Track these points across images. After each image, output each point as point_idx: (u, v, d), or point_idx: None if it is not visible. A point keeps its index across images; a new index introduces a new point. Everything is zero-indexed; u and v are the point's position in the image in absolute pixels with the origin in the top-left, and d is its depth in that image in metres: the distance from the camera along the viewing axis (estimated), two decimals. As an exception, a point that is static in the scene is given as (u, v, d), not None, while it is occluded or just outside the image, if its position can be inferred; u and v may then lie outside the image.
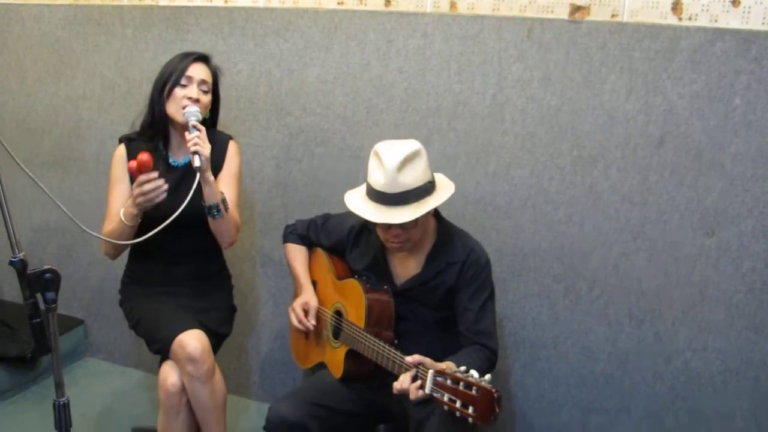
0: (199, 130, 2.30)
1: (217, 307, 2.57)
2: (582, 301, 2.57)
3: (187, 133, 2.30)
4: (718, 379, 2.43)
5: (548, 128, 2.50)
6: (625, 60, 2.36)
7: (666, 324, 2.47)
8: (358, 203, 2.11)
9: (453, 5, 2.55)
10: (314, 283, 2.49)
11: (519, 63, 2.49)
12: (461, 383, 1.75)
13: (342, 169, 2.83)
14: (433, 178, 2.10)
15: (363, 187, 2.14)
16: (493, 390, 1.69)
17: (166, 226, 2.31)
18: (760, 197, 2.28)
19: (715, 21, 2.24)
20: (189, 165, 2.45)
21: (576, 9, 2.40)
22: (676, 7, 2.28)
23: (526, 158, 2.55)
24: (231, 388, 2.56)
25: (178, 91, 2.38)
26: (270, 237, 3.03)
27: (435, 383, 1.82)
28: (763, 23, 2.19)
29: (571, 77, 2.43)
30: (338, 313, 2.35)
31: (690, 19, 2.28)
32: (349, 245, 2.39)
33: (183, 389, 2.35)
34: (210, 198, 2.35)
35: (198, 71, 2.41)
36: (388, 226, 2.07)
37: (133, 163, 2.23)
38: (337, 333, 2.33)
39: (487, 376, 1.75)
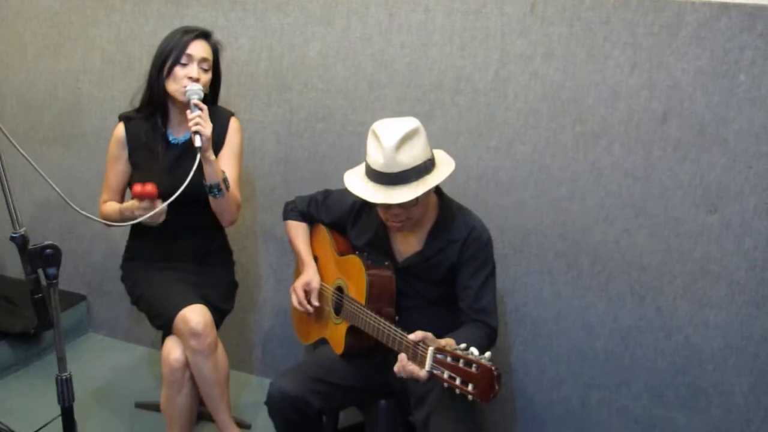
0: (200, 109, 2.29)
1: (218, 283, 2.58)
2: (583, 277, 2.57)
3: (188, 112, 2.29)
4: (719, 355, 2.44)
5: (551, 104, 2.48)
6: (629, 35, 2.34)
7: (667, 300, 2.47)
8: (357, 184, 2.10)
9: (455, -21, 2.53)
10: (315, 260, 2.49)
11: (522, 38, 2.47)
12: (461, 360, 1.75)
13: (343, 145, 2.82)
14: (432, 155, 2.08)
15: (362, 167, 2.13)
16: (493, 368, 1.69)
17: (171, 202, 2.32)
18: (763, 174, 2.27)
19: (721, -5, 2.22)
20: (189, 142, 2.45)
21: (580, -17, 2.38)
22: (681, -19, 2.26)
23: (528, 134, 2.53)
24: (233, 363, 2.57)
25: (179, 70, 2.36)
26: (271, 213, 3.02)
27: (435, 360, 1.82)
28: (769, -3, 2.17)
29: (574, 52, 2.42)
30: (339, 290, 2.35)
31: (695, -7, 2.26)
32: (350, 222, 2.39)
33: (186, 364, 2.36)
34: (211, 177, 2.35)
35: (198, 49, 2.38)
36: (389, 206, 2.06)
37: (138, 189, 2.26)
38: (338, 309, 2.34)
39: (487, 354, 1.75)
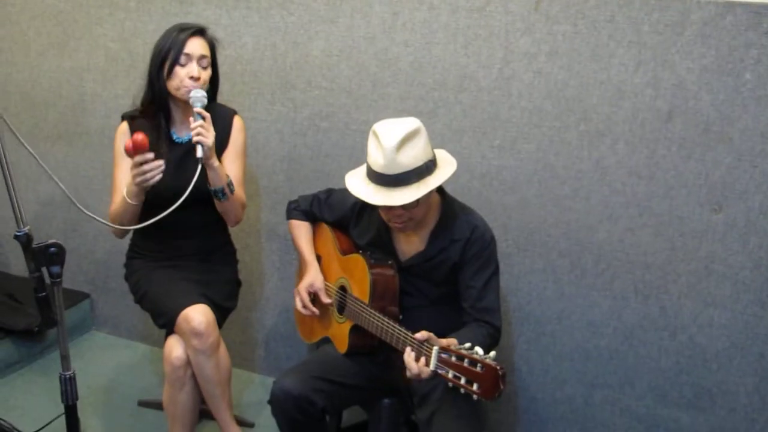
0: (203, 117, 2.29)
1: (222, 281, 2.58)
2: (587, 275, 2.57)
3: (191, 119, 2.29)
4: (723, 355, 2.44)
5: (555, 102, 2.48)
6: (634, 33, 2.33)
7: (671, 299, 2.47)
8: (358, 185, 2.09)
9: (460, -23, 2.52)
10: (318, 258, 2.49)
11: (526, 36, 2.46)
12: (466, 360, 1.75)
13: (347, 143, 2.82)
14: (433, 155, 2.07)
15: (363, 168, 2.12)
16: (498, 367, 1.69)
17: (167, 203, 2.32)
18: (768, 173, 2.27)
19: (726, -7, 2.22)
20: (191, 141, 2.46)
21: (584, -19, 2.37)
22: (686, -21, 2.25)
23: (532, 132, 2.53)
24: (236, 361, 2.58)
25: (179, 70, 2.35)
26: (275, 211, 3.02)
27: (440, 360, 1.82)
28: (774, -4, 2.16)
29: (578, 51, 2.41)
30: (343, 289, 2.35)
31: (700, -9, 2.25)
32: (352, 221, 2.38)
33: (188, 362, 2.37)
34: (215, 183, 2.36)
35: (196, 47, 2.37)
36: (390, 207, 2.06)
37: (129, 143, 2.23)
38: (341, 308, 2.33)
39: (492, 353, 1.75)
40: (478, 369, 1.72)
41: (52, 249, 1.65)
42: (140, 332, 3.48)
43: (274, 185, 3.00)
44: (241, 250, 2.85)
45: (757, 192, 2.29)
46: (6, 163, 1.65)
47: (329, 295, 2.39)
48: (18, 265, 3.67)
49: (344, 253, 2.37)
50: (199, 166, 2.24)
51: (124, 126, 2.49)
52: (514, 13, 2.46)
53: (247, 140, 2.62)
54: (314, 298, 2.41)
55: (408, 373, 1.90)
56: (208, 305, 2.38)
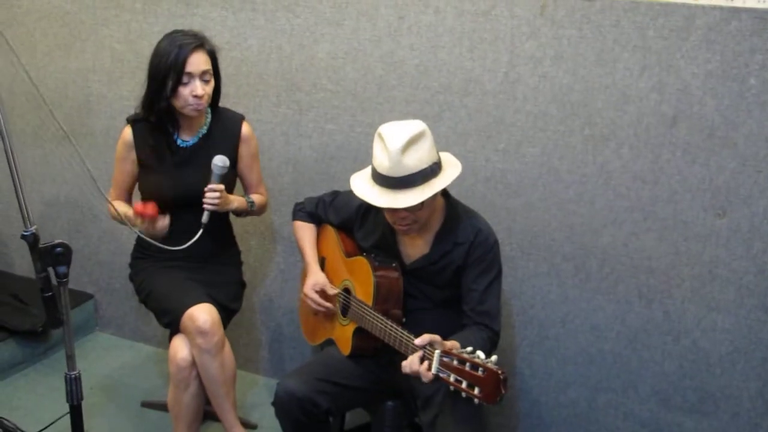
0: (218, 191, 2.38)
1: (227, 282, 2.59)
2: (591, 279, 2.57)
3: (206, 189, 2.37)
4: (727, 359, 2.44)
5: (560, 106, 2.48)
6: (639, 38, 2.33)
7: (675, 303, 2.47)
8: (363, 187, 2.10)
9: (465, -19, 2.53)
10: (323, 260, 2.49)
11: (531, 40, 2.47)
12: (467, 364, 1.75)
13: (352, 146, 2.82)
14: (438, 158, 2.08)
15: (369, 170, 2.12)
16: (499, 371, 1.70)
17: (171, 205, 2.37)
18: (772, 178, 2.27)
19: (732, -1, 2.22)
20: (198, 144, 2.48)
21: (590, -15, 2.37)
22: (691, -15, 2.26)
23: (537, 136, 2.53)
24: (240, 363, 2.58)
25: (182, 89, 2.34)
26: (280, 213, 3.03)
27: (441, 363, 1.82)
28: (780, 1, 2.17)
29: (584, 55, 2.41)
30: (347, 291, 2.35)
31: (706, -4, 2.25)
32: (357, 223, 2.39)
33: (193, 362, 2.37)
34: (238, 212, 2.55)
35: (197, 63, 2.34)
36: (395, 209, 2.06)
37: (139, 209, 2.38)
38: (345, 310, 2.34)
39: (494, 357, 1.75)
40: (480, 373, 1.72)
41: (59, 249, 1.66)
42: (144, 333, 3.49)
43: (279, 187, 3.01)
44: (246, 251, 2.85)
45: (761, 197, 2.29)
46: (15, 164, 1.65)
47: (330, 298, 2.39)
48: (22, 266, 3.67)
49: (349, 255, 2.38)
50: (201, 231, 2.38)
51: (128, 130, 2.50)
52: (520, 17, 2.46)
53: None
54: (323, 296, 2.41)
55: (405, 369, 1.91)
56: (213, 305, 2.38)
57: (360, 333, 2.25)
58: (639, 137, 2.40)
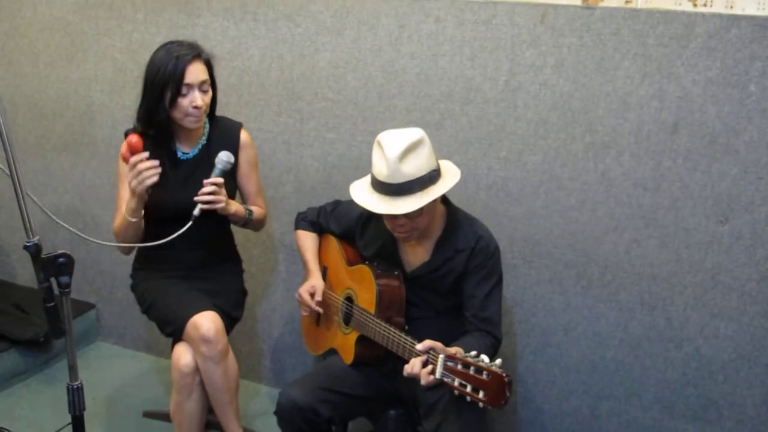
0: (217, 185, 2.33)
1: (228, 291, 2.59)
2: (593, 287, 2.57)
3: (205, 181, 2.32)
4: (730, 366, 2.43)
5: (561, 114, 2.48)
6: (639, 46, 2.34)
7: (678, 310, 2.47)
8: (362, 194, 2.10)
9: (466, -10, 2.54)
10: (325, 269, 2.50)
11: (532, 48, 2.47)
12: (472, 368, 1.75)
13: (353, 155, 2.83)
14: (438, 166, 2.08)
15: (368, 178, 2.13)
16: (504, 374, 1.70)
17: (173, 218, 2.36)
18: (774, 184, 2.27)
19: (731, 7, 2.23)
20: (199, 156, 2.48)
21: (590, -6, 2.38)
22: (691, -8, 2.27)
23: (538, 144, 2.54)
24: (242, 372, 2.58)
25: (181, 101, 2.32)
26: (281, 222, 3.03)
27: (445, 368, 1.82)
28: (779, 8, 2.18)
29: (584, 63, 2.42)
30: (349, 299, 2.35)
31: (705, 5, 2.26)
32: (358, 232, 2.39)
33: (196, 370, 2.37)
34: (237, 221, 2.51)
35: (194, 74, 2.32)
36: (394, 216, 2.06)
37: (123, 147, 2.27)
38: (347, 319, 2.34)
39: (498, 361, 1.75)
40: (484, 376, 1.72)
41: (61, 259, 1.65)
42: (146, 343, 3.48)
43: (280, 196, 3.01)
44: (248, 260, 2.85)
45: (763, 203, 2.29)
46: (17, 175, 1.65)
47: (333, 306, 2.39)
48: (24, 275, 3.67)
49: (351, 263, 2.38)
50: (190, 222, 2.29)
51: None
52: (520, 25, 2.47)
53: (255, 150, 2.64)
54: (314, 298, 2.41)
55: (406, 372, 1.91)
56: (217, 312, 2.38)
57: (363, 341, 2.25)
58: (640, 144, 2.40)
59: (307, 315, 2.48)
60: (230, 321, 2.52)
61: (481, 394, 1.72)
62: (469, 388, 1.75)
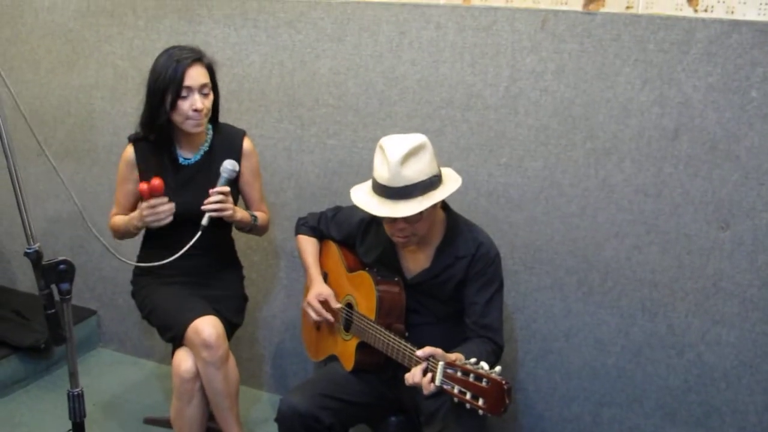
0: (224, 193, 2.36)
1: (228, 297, 2.59)
2: (594, 293, 2.56)
3: (212, 190, 2.35)
4: (732, 373, 2.42)
5: (562, 120, 2.48)
6: (640, 52, 2.34)
7: (679, 317, 2.46)
8: (363, 198, 2.10)
9: (466, -4, 2.54)
10: (325, 275, 2.49)
11: (532, 54, 2.48)
12: (471, 375, 1.75)
13: (354, 161, 2.83)
14: (439, 171, 2.08)
15: (369, 182, 2.13)
16: (503, 382, 1.69)
17: (174, 223, 2.36)
18: (775, 190, 2.27)
19: (732, 12, 2.23)
20: (200, 162, 2.49)
21: (590, 0, 2.38)
22: (691, -1, 2.27)
23: (539, 150, 2.54)
24: (242, 378, 2.57)
25: (181, 104, 2.33)
26: (282, 228, 3.03)
27: (445, 375, 1.82)
28: (780, 14, 2.18)
29: (585, 69, 2.42)
30: (349, 306, 2.35)
31: (706, 10, 2.26)
32: (358, 238, 2.39)
33: (197, 375, 2.36)
34: (242, 227, 2.53)
35: (195, 77, 2.33)
36: (394, 220, 2.06)
37: (144, 186, 2.32)
38: (348, 325, 2.33)
39: (498, 368, 1.75)
40: (484, 384, 1.72)
41: (62, 266, 1.65)
42: (147, 349, 3.48)
43: (281, 203, 3.01)
44: (248, 267, 2.85)
45: (764, 209, 2.29)
46: (18, 181, 1.66)
47: (333, 313, 2.39)
48: (25, 282, 3.67)
49: (351, 270, 2.37)
50: (199, 232, 2.34)
51: (130, 149, 2.49)
52: (521, 31, 2.47)
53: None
54: (326, 306, 2.40)
55: (407, 381, 1.90)
56: (218, 317, 2.38)
57: (363, 348, 2.24)
58: (641, 150, 2.40)
59: (311, 321, 2.46)
60: (231, 327, 2.52)
61: (480, 402, 1.72)
62: (468, 396, 1.75)
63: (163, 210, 2.34)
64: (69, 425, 1.80)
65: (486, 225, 2.31)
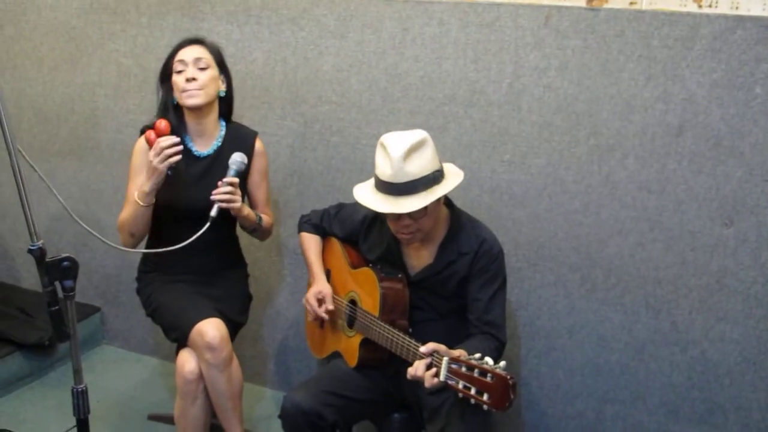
0: (233, 185, 2.34)
1: (233, 296, 2.59)
2: (598, 290, 2.56)
3: (220, 183, 2.33)
4: (735, 370, 2.42)
5: (565, 117, 2.48)
6: (644, 48, 2.33)
7: (683, 313, 2.46)
8: (366, 195, 2.10)
9: (469, -8, 2.54)
10: (328, 272, 2.49)
11: (536, 51, 2.47)
12: (476, 370, 1.75)
13: (357, 158, 2.83)
14: (441, 167, 2.08)
15: (371, 181, 2.13)
16: (508, 377, 1.69)
17: (183, 218, 2.35)
18: (779, 187, 2.26)
19: (736, 8, 2.22)
20: (213, 156, 2.49)
21: (594, -4, 2.38)
22: (695, -6, 2.26)
23: (542, 147, 2.53)
24: (246, 376, 2.57)
25: (176, 77, 2.38)
26: (285, 225, 3.03)
27: (450, 370, 1.81)
28: (784, 10, 2.17)
29: (588, 65, 2.41)
30: (353, 302, 2.35)
31: (710, 6, 2.25)
32: (362, 236, 2.39)
33: (200, 376, 2.37)
34: (247, 225, 2.51)
35: (189, 52, 2.40)
36: (398, 217, 2.06)
37: (150, 132, 2.33)
38: (351, 322, 2.33)
39: (502, 363, 1.75)
40: (489, 379, 1.72)
41: (66, 263, 1.65)
42: (151, 346, 3.49)
43: (284, 200, 3.01)
44: (252, 264, 2.85)
45: (768, 206, 2.28)
46: (21, 178, 1.66)
47: (336, 309, 2.39)
48: (28, 279, 3.68)
49: (354, 266, 2.37)
50: (208, 223, 2.29)
51: (143, 140, 2.49)
52: (524, 27, 2.47)
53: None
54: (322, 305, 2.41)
55: (410, 374, 1.91)
56: (221, 319, 2.38)
57: (367, 344, 2.25)
58: (644, 147, 2.40)
59: (313, 318, 2.47)
60: (234, 326, 2.52)
61: (485, 397, 1.71)
62: (473, 391, 1.74)
63: (168, 145, 2.28)
64: (73, 422, 1.80)
65: (489, 222, 2.31)
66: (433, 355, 1.88)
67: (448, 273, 2.19)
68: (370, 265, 2.32)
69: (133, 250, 2.29)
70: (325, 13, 2.75)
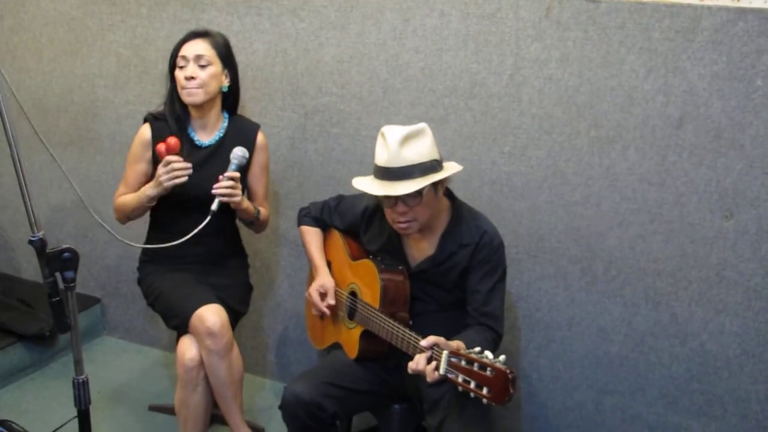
0: (234, 179, 2.35)
1: (234, 285, 2.60)
2: (598, 282, 2.56)
3: (221, 177, 2.34)
4: (735, 362, 2.43)
5: (566, 108, 2.48)
6: (645, 40, 2.33)
7: (682, 306, 2.46)
8: (363, 182, 2.12)
9: (470, -16, 2.53)
10: (329, 264, 2.49)
11: (537, 42, 2.47)
12: (476, 364, 1.75)
13: (357, 149, 2.82)
14: (440, 158, 2.09)
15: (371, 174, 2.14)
16: (508, 371, 1.69)
17: (185, 205, 2.36)
18: (780, 179, 2.26)
19: (738, 0, 2.21)
20: (216, 145, 2.49)
21: (595, -12, 2.37)
22: (697, -14, 2.25)
23: (543, 139, 2.53)
24: (246, 366, 2.58)
25: (178, 73, 2.40)
26: (285, 217, 3.03)
27: (449, 364, 1.82)
28: (786, 2, 2.16)
29: (589, 57, 2.41)
30: (353, 294, 2.35)
31: (711, -2, 2.25)
32: (362, 227, 2.39)
33: (201, 363, 2.37)
34: (245, 217, 2.51)
35: (191, 48, 2.40)
36: (394, 203, 2.06)
37: (162, 146, 2.32)
38: (352, 314, 2.34)
39: (502, 357, 1.75)
40: (488, 373, 1.72)
41: (66, 254, 1.66)
42: (151, 337, 3.49)
43: (285, 191, 3.01)
44: (253, 255, 2.85)
45: (768, 199, 2.28)
46: (22, 170, 1.66)
47: (337, 301, 2.39)
48: (29, 270, 3.68)
49: (355, 258, 2.38)
50: (209, 217, 2.31)
51: (146, 128, 2.50)
52: (525, 19, 2.46)
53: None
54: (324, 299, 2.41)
55: (410, 368, 1.91)
56: (222, 306, 2.39)
57: (367, 336, 2.25)
58: (645, 139, 2.39)
59: (314, 312, 2.47)
60: (235, 316, 2.53)
61: (485, 391, 1.72)
62: (473, 385, 1.75)
63: (180, 168, 2.32)
64: (74, 412, 1.81)
65: (489, 214, 2.30)
66: (433, 349, 1.88)
67: (449, 264, 2.19)
68: (371, 256, 2.32)
69: (137, 245, 2.29)
70: (325, 4, 2.75)
